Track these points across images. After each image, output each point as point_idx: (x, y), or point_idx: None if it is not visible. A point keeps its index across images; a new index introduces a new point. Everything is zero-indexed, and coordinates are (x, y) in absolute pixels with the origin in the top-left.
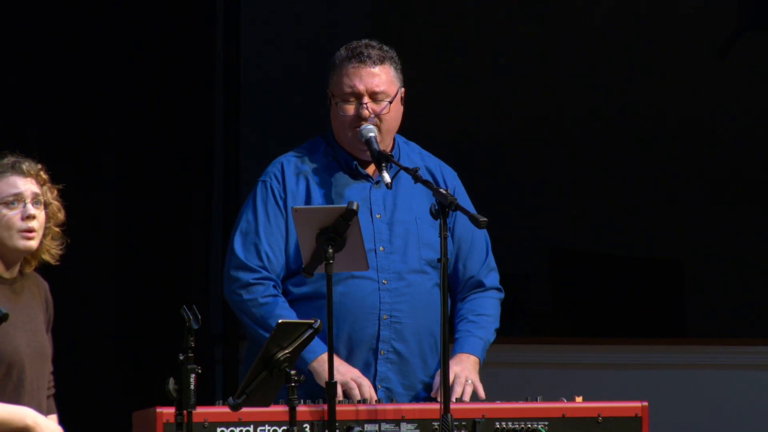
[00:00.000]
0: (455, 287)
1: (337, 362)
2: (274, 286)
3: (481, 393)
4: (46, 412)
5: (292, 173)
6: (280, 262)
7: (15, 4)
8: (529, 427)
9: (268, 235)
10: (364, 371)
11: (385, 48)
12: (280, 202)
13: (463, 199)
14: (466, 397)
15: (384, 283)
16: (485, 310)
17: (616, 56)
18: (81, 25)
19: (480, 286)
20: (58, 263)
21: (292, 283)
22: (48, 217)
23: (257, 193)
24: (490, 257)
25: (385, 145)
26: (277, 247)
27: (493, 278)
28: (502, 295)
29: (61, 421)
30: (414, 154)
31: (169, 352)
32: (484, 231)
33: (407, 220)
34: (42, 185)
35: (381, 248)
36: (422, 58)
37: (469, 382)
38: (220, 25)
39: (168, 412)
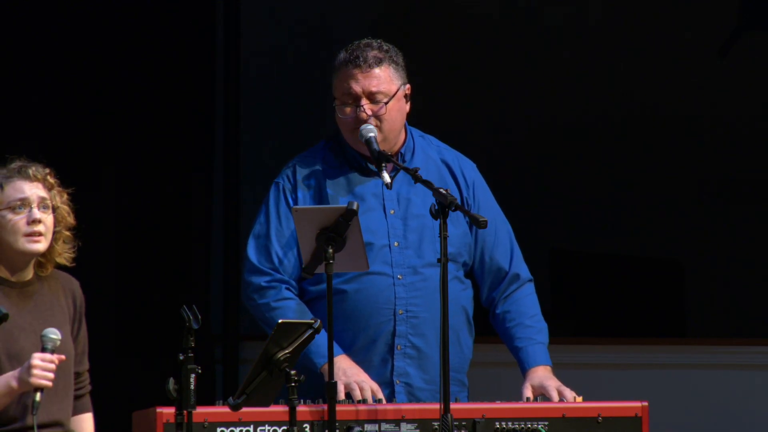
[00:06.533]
0: (480, 278)
1: (346, 364)
2: (287, 288)
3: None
4: (72, 412)
5: (304, 174)
6: (292, 262)
7: (15, 3)
8: (529, 427)
9: (279, 237)
10: (382, 367)
11: (385, 47)
12: (291, 203)
13: (484, 191)
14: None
15: (399, 278)
16: (534, 310)
17: (616, 57)
18: (80, 24)
19: (517, 279)
20: (73, 265)
21: (308, 282)
22: (57, 221)
23: (270, 196)
24: (515, 246)
25: (391, 143)
26: (289, 248)
27: (526, 269)
28: (533, 284)
29: None
30: (430, 147)
31: (169, 352)
32: (505, 221)
33: (423, 214)
34: (49, 189)
35: (395, 243)
36: (422, 55)
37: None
38: (220, 24)
39: (168, 412)
